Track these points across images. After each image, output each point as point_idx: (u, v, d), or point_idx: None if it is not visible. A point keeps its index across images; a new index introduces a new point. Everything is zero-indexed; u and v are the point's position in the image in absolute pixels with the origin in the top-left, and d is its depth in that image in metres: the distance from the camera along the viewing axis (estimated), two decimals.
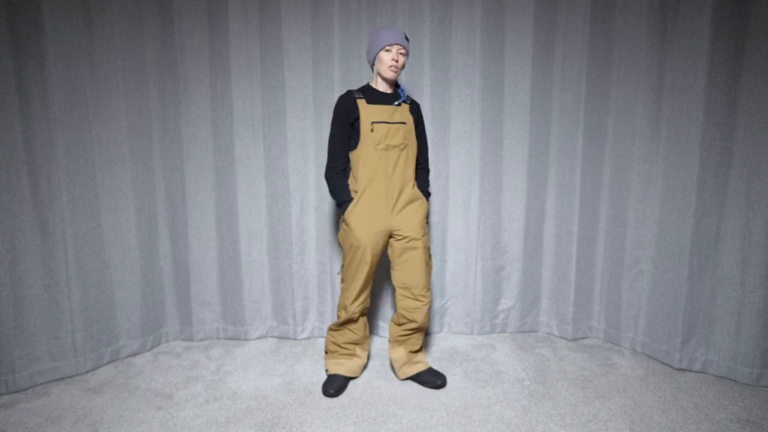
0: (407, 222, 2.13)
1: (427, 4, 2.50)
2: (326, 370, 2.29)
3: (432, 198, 2.67)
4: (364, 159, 2.09)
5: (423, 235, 2.16)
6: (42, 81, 2.13)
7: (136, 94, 2.42)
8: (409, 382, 2.26)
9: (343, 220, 2.13)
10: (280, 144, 2.57)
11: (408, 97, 2.21)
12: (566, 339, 2.71)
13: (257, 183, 2.61)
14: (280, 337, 2.75)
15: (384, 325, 2.74)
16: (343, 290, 2.20)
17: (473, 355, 2.54)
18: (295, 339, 2.73)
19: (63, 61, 2.17)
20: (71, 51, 2.20)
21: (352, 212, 2.10)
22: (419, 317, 2.17)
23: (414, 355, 2.30)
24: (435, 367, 2.40)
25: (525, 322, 2.80)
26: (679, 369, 2.36)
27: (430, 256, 2.22)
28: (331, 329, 2.29)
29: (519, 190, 2.66)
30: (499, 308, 2.79)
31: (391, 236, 2.17)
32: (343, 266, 2.19)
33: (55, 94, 2.16)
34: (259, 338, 2.74)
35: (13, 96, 2.08)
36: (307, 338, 2.74)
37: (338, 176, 2.14)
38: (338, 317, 2.23)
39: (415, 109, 2.21)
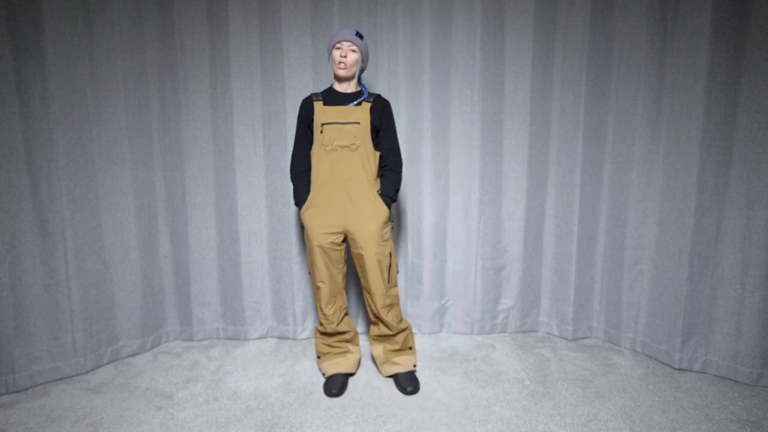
0: (361, 228, 2.10)
1: (427, 4, 2.50)
2: (323, 374, 2.29)
3: (432, 198, 2.67)
4: (317, 160, 2.12)
5: (379, 243, 2.11)
6: (42, 81, 2.13)
7: (136, 94, 2.42)
8: None
9: (300, 219, 2.18)
10: (280, 144, 2.57)
11: (373, 95, 2.16)
12: (566, 339, 2.71)
13: (257, 183, 2.61)
14: (280, 337, 2.75)
15: None
16: (315, 296, 2.23)
17: (473, 355, 2.54)
18: (295, 339, 2.73)
19: (63, 61, 2.17)
20: (71, 51, 2.20)
21: (305, 212, 2.14)
22: (384, 320, 2.19)
23: (393, 354, 2.28)
24: (434, 367, 2.40)
25: (525, 322, 2.80)
26: (679, 369, 2.36)
27: (391, 263, 2.16)
28: (318, 335, 2.30)
29: (519, 190, 2.66)
30: (499, 308, 2.79)
31: (346, 237, 2.17)
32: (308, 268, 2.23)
33: (55, 94, 2.16)
34: (259, 338, 2.74)
35: (13, 96, 2.08)
36: (307, 338, 2.74)
37: (300, 176, 2.18)
38: (320, 321, 2.25)
39: (379, 106, 2.14)
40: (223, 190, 2.60)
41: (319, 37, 2.50)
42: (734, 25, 2.09)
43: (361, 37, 2.09)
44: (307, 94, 2.53)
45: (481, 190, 2.64)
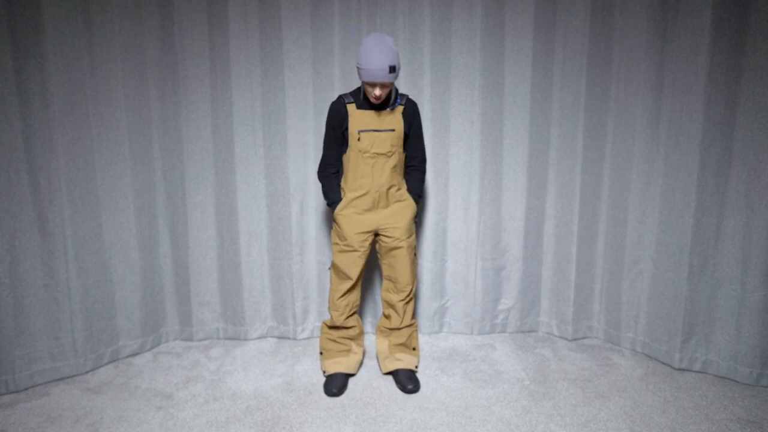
0: (394, 223, 2.19)
1: (427, 4, 2.50)
2: (324, 371, 2.29)
3: (432, 198, 2.67)
4: (353, 165, 2.15)
5: (409, 236, 2.22)
6: (42, 81, 2.13)
7: (136, 94, 2.42)
8: None
9: (334, 220, 2.21)
10: (280, 144, 2.57)
11: (403, 96, 2.17)
12: (566, 339, 2.71)
13: (257, 183, 2.61)
14: (280, 337, 2.75)
15: None
16: (331, 287, 2.26)
17: (473, 355, 2.54)
18: (295, 339, 2.73)
19: (63, 61, 2.17)
20: (71, 51, 2.19)
21: (341, 213, 2.17)
22: (399, 310, 2.24)
23: (397, 349, 2.30)
24: (434, 367, 2.40)
25: (525, 322, 2.80)
26: (679, 369, 2.36)
27: (415, 254, 2.27)
28: (324, 329, 2.31)
29: (519, 190, 2.66)
30: (499, 308, 2.79)
31: (378, 234, 2.22)
32: (332, 263, 2.25)
33: (55, 94, 2.16)
34: (259, 338, 2.74)
35: (13, 96, 2.08)
36: (307, 338, 2.74)
37: (330, 177, 2.23)
38: (330, 315, 2.28)
39: (410, 111, 2.18)
40: (223, 190, 2.60)
41: (319, 37, 2.50)
42: (734, 25, 2.09)
43: (394, 70, 1.96)
44: (307, 94, 2.53)
45: (481, 190, 2.64)
